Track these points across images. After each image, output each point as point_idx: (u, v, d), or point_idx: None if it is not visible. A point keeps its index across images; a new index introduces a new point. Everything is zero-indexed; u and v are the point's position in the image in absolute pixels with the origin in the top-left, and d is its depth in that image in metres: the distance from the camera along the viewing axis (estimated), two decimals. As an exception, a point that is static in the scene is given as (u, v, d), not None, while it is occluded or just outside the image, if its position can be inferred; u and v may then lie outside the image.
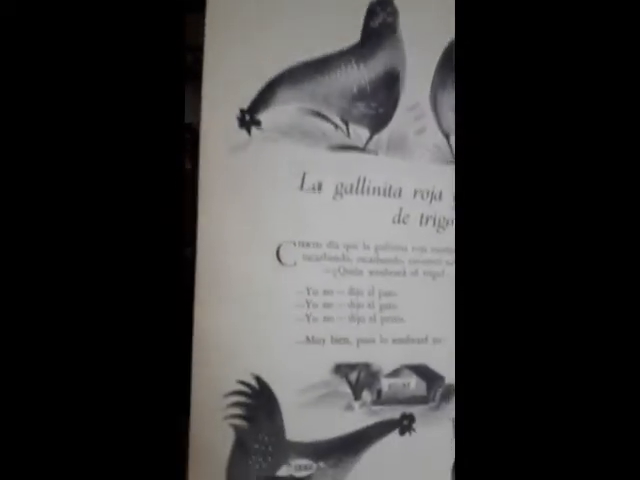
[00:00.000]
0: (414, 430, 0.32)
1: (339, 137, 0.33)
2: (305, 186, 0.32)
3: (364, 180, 0.33)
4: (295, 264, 0.31)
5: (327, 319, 0.31)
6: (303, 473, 0.30)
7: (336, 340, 0.31)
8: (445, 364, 0.33)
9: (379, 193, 0.33)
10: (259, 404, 0.29)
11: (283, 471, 0.29)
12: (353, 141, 0.33)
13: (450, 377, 0.33)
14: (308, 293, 0.31)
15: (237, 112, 0.31)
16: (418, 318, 0.33)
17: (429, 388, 0.33)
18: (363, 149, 0.33)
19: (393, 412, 0.32)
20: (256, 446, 0.29)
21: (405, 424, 0.32)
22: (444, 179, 0.34)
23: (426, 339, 0.33)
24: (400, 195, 0.34)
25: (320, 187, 0.32)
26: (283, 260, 0.31)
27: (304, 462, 0.30)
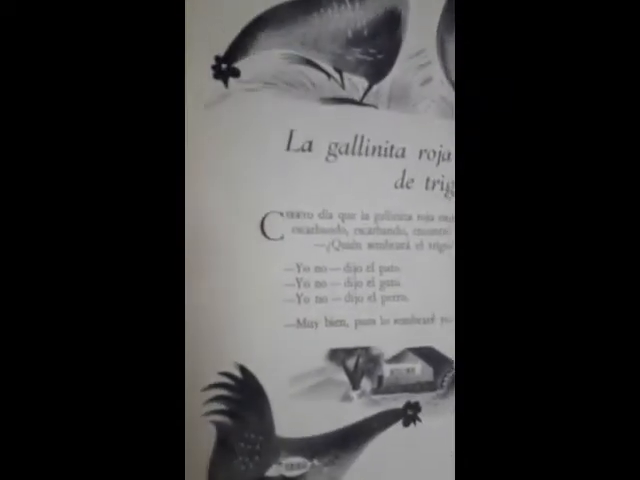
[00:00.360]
0: (420, 420, 0.29)
1: (332, 88, 0.29)
2: (293, 146, 0.28)
3: (362, 138, 0.29)
4: (282, 238, 0.27)
5: (320, 299, 0.28)
6: (295, 472, 0.26)
7: (331, 322, 0.28)
8: (454, 346, 0.29)
9: (379, 153, 0.29)
10: (244, 397, 0.26)
11: (273, 471, 0.26)
12: (348, 93, 0.29)
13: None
14: (298, 270, 0.27)
15: (212, 60, 0.27)
16: (423, 296, 0.29)
17: (436, 373, 0.29)
18: (360, 102, 0.29)
19: (396, 401, 0.29)
20: (241, 445, 0.26)
21: (410, 414, 0.29)
22: (453, 137, 0.30)
23: (432, 319, 0.29)
24: (403, 155, 0.30)
25: (310, 147, 0.28)
26: (268, 233, 0.27)
27: (296, 460, 0.26)
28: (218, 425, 0.25)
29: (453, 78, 0.31)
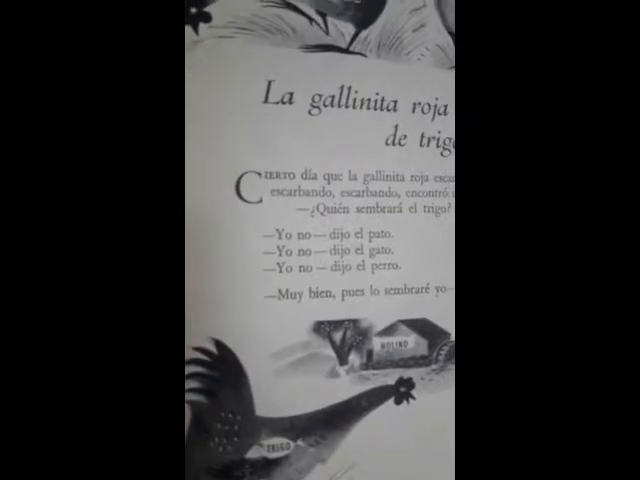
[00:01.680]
0: (413, 398, 0.27)
1: (315, 34, 0.26)
2: (271, 98, 0.25)
3: (349, 90, 0.26)
4: (261, 201, 0.25)
5: (304, 269, 0.25)
6: (278, 454, 0.24)
7: (316, 293, 0.25)
8: (451, 317, 0.27)
9: (368, 106, 0.26)
10: (221, 375, 0.24)
11: (253, 453, 0.24)
12: (333, 39, 0.26)
13: (456, 333, 0.28)
14: (279, 237, 0.25)
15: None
16: (417, 264, 0.27)
17: (431, 347, 0.27)
18: (346, 50, 0.26)
19: (387, 377, 0.26)
20: (218, 425, 0.24)
21: (402, 391, 0.27)
22: (450, 88, 0.27)
23: (427, 288, 0.27)
24: (395, 109, 0.27)
25: (291, 99, 0.25)
26: (245, 196, 0.24)
27: (279, 441, 0.24)
28: (193, 404, 0.23)
29: (450, 23, 0.28)
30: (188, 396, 0.23)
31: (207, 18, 0.24)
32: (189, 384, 0.23)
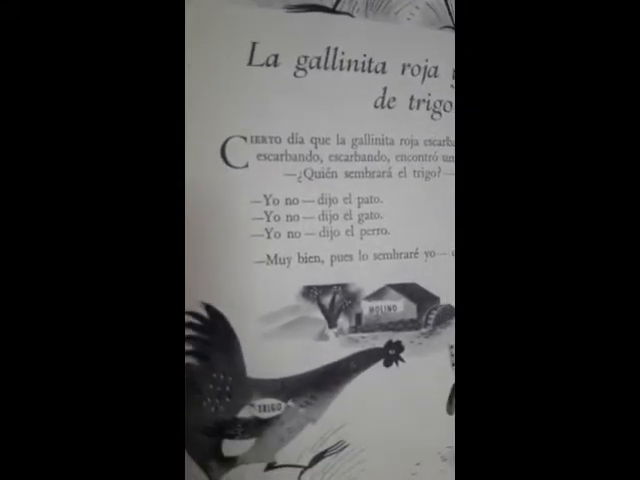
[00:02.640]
0: (402, 360, 0.27)
1: (300, -7, 0.25)
2: (256, 60, 0.24)
3: (335, 51, 0.26)
4: (247, 165, 0.25)
5: (292, 235, 0.25)
6: (269, 414, 0.25)
7: (304, 259, 0.25)
8: (440, 282, 0.27)
9: (356, 68, 0.26)
10: (212, 338, 0.24)
11: (245, 412, 0.25)
12: (319, -1, 0.25)
13: (446, 297, 0.28)
14: (267, 202, 0.25)
15: (161, -38, 0.23)
16: (406, 229, 0.27)
17: (420, 310, 0.27)
18: (333, 10, 0.26)
19: (376, 340, 0.27)
20: (210, 386, 0.24)
21: (391, 354, 0.27)
22: (440, 49, 0.27)
23: (416, 253, 0.27)
24: (384, 71, 0.26)
25: (276, 61, 0.25)
26: (231, 160, 0.24)
27: (270, 402, 0.25)
28: (186, 366, 0.24)
29: (441, -20, 0.27)
30: (179, 359, 0.24)
31: (189, -22, 0.24)
32: (180, 347, 0.24)
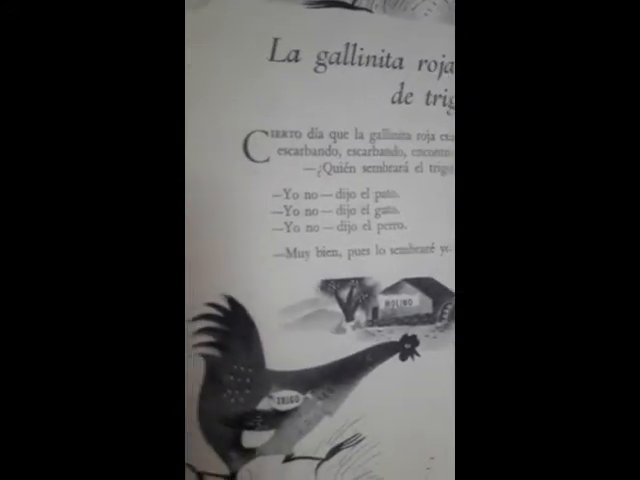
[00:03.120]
0: (418, 354, 0.27)
1: (320, -11, 0.25)
2: (277, 56, 0.25)
3: (354, 47, 0.26)
4: (268, 160, 0.25)
5: (311, 228, 0.26)
6: (287, 406, 0.25)
7: (322, 252, 0.26)
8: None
9: (374, 64, 0.26)
10: (233, 329, 0.25)
11: (264, 404, 0.25)
12: (339, -5, 0.25)
13: (460, 291, 0.28)
14: (287, 196, 0.25)
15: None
16: (423, 223, 0.27)
17: (436, 305, 0.28)
18: (352, 5, 0.26)
19: (392, 334, 0.27)
20: (231, 377, 0.24)
21: (407, 348, 0.27)
22: (457, 46, 0.27)
23: (432, 248, 0.27)
24: (401, 66, 0.27)
25: (297, 57, 0.25)
26: (253, 155, 0.25)
27: (288, 394, 0.25)
28: (206, 358, 0.24)
29: (458, -23, 0.27)
30: (202, 349, 0.24)
31: (212, -25, 0.24)
32: (203, 338, 0.24)
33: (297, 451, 0.26)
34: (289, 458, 0.25)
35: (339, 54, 0.26)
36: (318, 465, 0.26)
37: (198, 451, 0.24)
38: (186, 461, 0.24)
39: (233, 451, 0.25)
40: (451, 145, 0.28)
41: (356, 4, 0.26)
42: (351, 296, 0.26)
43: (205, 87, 0.24)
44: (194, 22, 0.24)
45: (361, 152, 0.26)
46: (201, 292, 0.24)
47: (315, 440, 0.26)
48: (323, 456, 0.26)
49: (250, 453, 0.25)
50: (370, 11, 0.26)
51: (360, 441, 0.26)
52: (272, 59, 0.25)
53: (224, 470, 0.25)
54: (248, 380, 0.25)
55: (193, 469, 0.24)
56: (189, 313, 0.24)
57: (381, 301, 0.27)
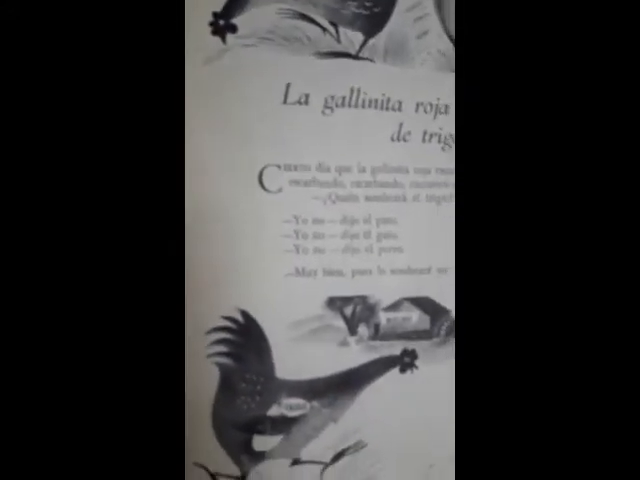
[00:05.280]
0: (416, 367, 0.30)
1: (328, 42, 0.29)
2: (289, 99, 0.28)
3: (358, 92, 0.29)
4: (280, 190, 0.28)
5: (318, 250, 0.28)
6: (295, 413, 0.28)
7: (329, 272, 0.28)
8: (451, 296, 0.30)
9: (375, 106, 0.29)
10: (246, 341, 0.27)
11: (273, 411, 0.27)
12: (344, 47, 0.29)
13: (456, 311, 0.31)
14: (297, 222, 0.28)
15: (210, 17, 0.27)
16: (420, 247, 0.30)
17: (433, 322, 0.30)
18: (356, 56, 0.29)
19: (393, 348, 0.29)
20: (243, 385, 0.27)
21: (406, 361, 0.30)
22: (450, 90, 0.30)
23: (429, 270, 0.30)
24: (400, 109, 0.30)
25: (307, 100, 0.28)
26: (267, 186, 0.28)
27: (296, 401, 0.28)
28: (221, 366, 0.27)
29: (450, 31, 0.31)
30: (217, 359, 0.27)
31: (234, 29, 0.28)
32: (218, 348, 0.27)
33: (303, 456, 0.28)
34: (296, 462, 0.28)
35: (344, 98, 0.29)
36: (323, 469, 0.28)
37: (211, 453, 0.27)
38: (200, 462, 0.27)
39: (244, 454, 0.27)
40: (445, 178, 0.30)
41: (360, 55, 0.29)
42: (355, 312, 0.29)
43: (226, 126, 0.27)
44: (217, 68, 0.27)
45: (363, 184, 0.29)
46: (218, 306, 0.27)
47: (320, 445, 0.28)
48: (328, 461, 0.28)
49: (260, 456, 0.27)
50: (372, 61, 0.29)
51: (362, 448, 0.28)
52: (285, 102, 0.28)
53: (235, 472, 0.27)
54: (259, 388, 0.27)
55: (207, 470, 0.27)
56: (207, 325, 0.27)
57: (382, 317, 0.29)
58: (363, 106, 0.29)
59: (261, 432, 0.27)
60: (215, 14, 0.27)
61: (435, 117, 0.31)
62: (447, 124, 0.31)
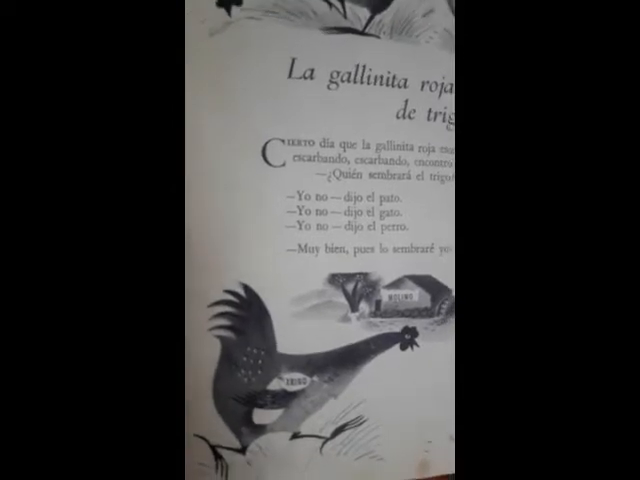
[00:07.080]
0: (417, 345, 0.30)
1: (334, 18, 0.29)
2: (294, 74, 0.28)
3: (363, 68, 0.29)
4: (284, 165, 0.28)
5: (321, 227, 0.28)
6: (296, 387, 0.28)
7: (331, 249, 0.28)
8: (452, 275, 0.30)
9: (381, 83, 0.29)
10: (248, 315, 0.27)
11: (274, 385, 0.27)
12: (351, 22, 0.29)
13: (457, 291, 0.31)
14: (300, 198, 0.28)
15: (215, -11, 0.27)
16: (423, 226, 0.30)
17: (434, 300, 0.30)
18: (362, 32, 0.29)
19: (394, 325, 0.30)
20: (244, 359, 0.27)
21: (407, 338, 0.30)
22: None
23: (432, 248, 0.30)
24: (405, 86, 0.30)
25: (312, 75, 0.28)
26: (270, 160, 0.28)
27: (297, 376, 0.28)
28: (223, 339, 0.27)
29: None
30: (219, 332, 0.27)
31: (239, 1, 0.28)
32: (220, 321, 0.27)
33: (303, 429, 0.28)
34: (296, 436, 0.28)
35: (350, 74, 0.29)
36: (323, 443, 0.28)
37: (213, 426, 0.27)
38: (201, 435, 0.27)
39: (245, 427, 0.27)
40: (450, 157, 0.30)
41: (366, 31, 0.29)
42: (356, 289, 0.29)
43: (230, 99, 0.27)
44: (222, 41, 0.27)
45: (367, 160, 0.29)
46: (221, 280, 0.27)
47: (321, 420, 0.28)
48: (328, 435, 0.28)
49: (260, 429, 0.27)
50: (378, 37, 0.29)
51: (362, 423, 0.29)
52: (290, 76, 0.28)
53: (236, 444, 0.27)
54: (260, 362, 0.27)
55: (207, 442, 0.27)
56: (209, 298, 0.27)
57: (384, 295, 0.29)
58: (368, 82, 0.29)
59: (261, 406, 0.27)
60: (221, -14, 0.27)
61: (440, 96, 0.30)
62: (452, 103, 0.30)
